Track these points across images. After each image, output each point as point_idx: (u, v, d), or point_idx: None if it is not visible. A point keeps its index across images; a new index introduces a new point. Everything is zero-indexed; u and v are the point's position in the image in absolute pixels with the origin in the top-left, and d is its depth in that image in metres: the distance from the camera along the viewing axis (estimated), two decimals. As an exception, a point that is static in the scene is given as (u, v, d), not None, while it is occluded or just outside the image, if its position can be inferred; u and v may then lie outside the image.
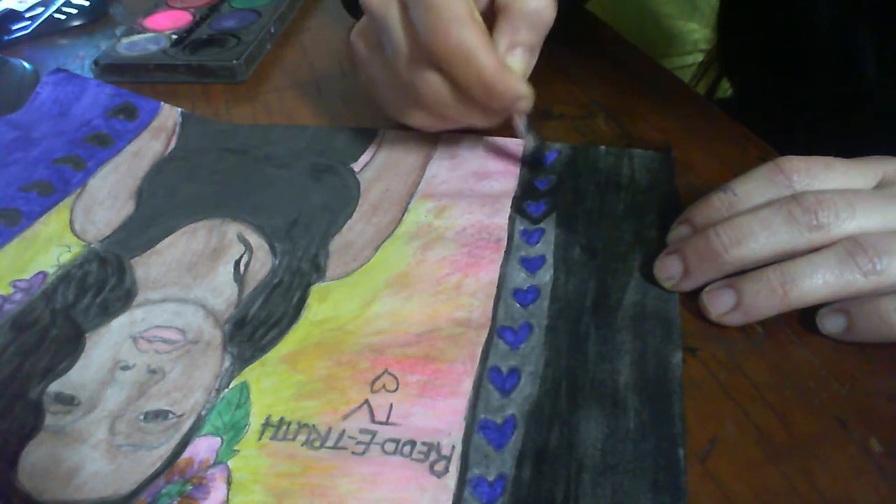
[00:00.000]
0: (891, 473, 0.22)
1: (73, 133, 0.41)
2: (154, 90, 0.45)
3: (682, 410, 0.24)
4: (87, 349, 0.29)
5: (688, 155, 0.36)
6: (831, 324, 0.26)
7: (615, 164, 0.35)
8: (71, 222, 0.35)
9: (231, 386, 0.27)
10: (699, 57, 0.82)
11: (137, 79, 0.47)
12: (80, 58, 0.51)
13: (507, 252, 0.31)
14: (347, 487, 0.23)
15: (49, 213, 0.36)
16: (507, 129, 0.36)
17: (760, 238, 0.26)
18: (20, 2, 0.54)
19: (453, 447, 0.24)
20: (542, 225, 0.32)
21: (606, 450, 0.23)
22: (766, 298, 0.26)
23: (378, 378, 0.26)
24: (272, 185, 0.36)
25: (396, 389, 0.26)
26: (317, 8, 0.55)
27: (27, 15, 0.54)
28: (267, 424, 0.25)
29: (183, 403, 0.26)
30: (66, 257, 0.33)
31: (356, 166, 0.37)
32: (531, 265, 0.30)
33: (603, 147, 0.36)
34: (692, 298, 0.28)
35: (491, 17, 0.32)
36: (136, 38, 0.50)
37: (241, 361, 0.28)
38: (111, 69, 0.47)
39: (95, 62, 0.48)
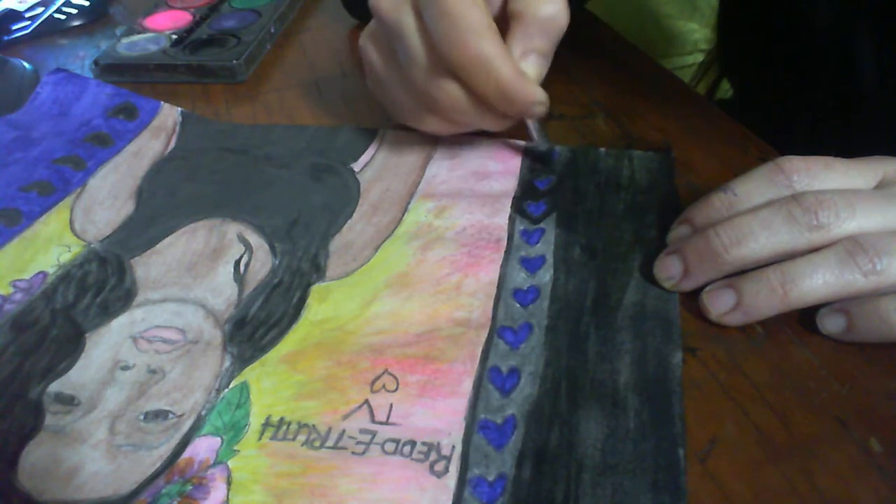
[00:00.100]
0: (891, 473, 0.22)
1: (73, 133, 0.41)
2: (154, 90, 0.45)
3: (682, 410, 0.24)
4: (87, 349, 0.29)
5: (688, 155, 0.36)
6: (831, 324, 0.26)
7: (615, 164, 0.35)
8: (71, 222, 0.35)
9: (231, 386, 0.27)
10: (699, 57, 0.82)
11: (137, 79, 0.47)
12: (80, 58, 0.51)
13: (507, 252, 0.31)
14: (347, 487, 0.23)
15: (49, 213, 0.36)
16: (516, 131, 0.36)
17: (760, 238, 0.26)
18: (20, 2, 0.54)
19: (453, 447, 0.24)
20: (542, 225, 0.32)
21: (606, 450, 0.23)
22: (766, 298, 0.26)
23: (378, 378, 0.26)
24: (272, 185, 0.36)
25: (396, 389, 0.26)
26: (317, 8, 0.55)
27: (27, 15, 0.54)
28: (267, 424, 0.25)
29: (183, 403, 0.26)
30: (66, 257, 0.33)
31: (356, 166, 0.37)
32: (531, 265, 0.30)
33: (603, 149, 0.36)
34: (692, 298, 0.28)
35: (503, 23, 0.32)
36: (136, 38, 0.50)
37: (241, 361, 0.28)
38: (111, 69, 0.47)
39: (95, 62, 0.48)
